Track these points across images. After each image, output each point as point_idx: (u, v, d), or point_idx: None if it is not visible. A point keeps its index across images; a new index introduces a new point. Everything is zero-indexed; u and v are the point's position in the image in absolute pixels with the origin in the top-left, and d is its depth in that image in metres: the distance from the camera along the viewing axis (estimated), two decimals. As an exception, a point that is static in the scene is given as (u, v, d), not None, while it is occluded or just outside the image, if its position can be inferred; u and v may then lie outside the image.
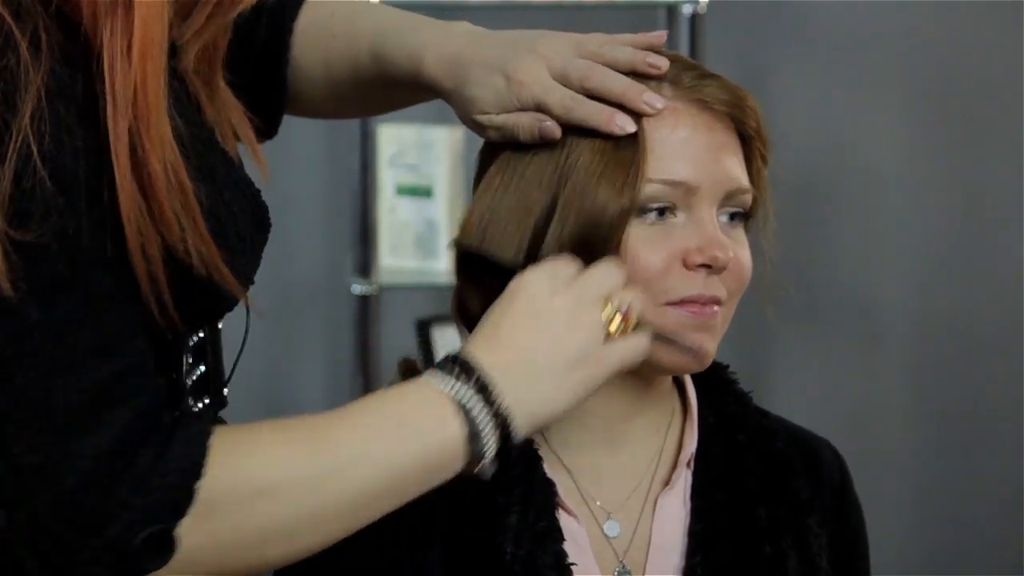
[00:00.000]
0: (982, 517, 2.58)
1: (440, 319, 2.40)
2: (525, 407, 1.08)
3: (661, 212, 1.18)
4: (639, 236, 1.17)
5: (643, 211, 1.17)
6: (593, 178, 1.16)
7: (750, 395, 1.29)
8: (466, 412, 1.06)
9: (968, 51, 2.56)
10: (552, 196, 1.17)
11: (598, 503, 1.23)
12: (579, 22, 2.37)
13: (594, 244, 1.16)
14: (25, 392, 0.96)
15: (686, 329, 1.17)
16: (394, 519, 1.15)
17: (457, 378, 1.07)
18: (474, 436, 1.06)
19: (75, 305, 0.98)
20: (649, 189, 1.17)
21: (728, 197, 1.19)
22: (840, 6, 2.56)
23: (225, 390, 1.19)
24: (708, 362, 1.20)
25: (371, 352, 2.41)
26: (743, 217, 1.22)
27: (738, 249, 1.20)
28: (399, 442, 1.05)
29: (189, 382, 1.13)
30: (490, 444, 1.07)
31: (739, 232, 1.21)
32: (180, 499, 0.98)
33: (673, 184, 1.17)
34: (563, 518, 1.19)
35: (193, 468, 0.99)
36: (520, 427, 1.08)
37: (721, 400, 1.27)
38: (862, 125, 2.58)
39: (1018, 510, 2.56)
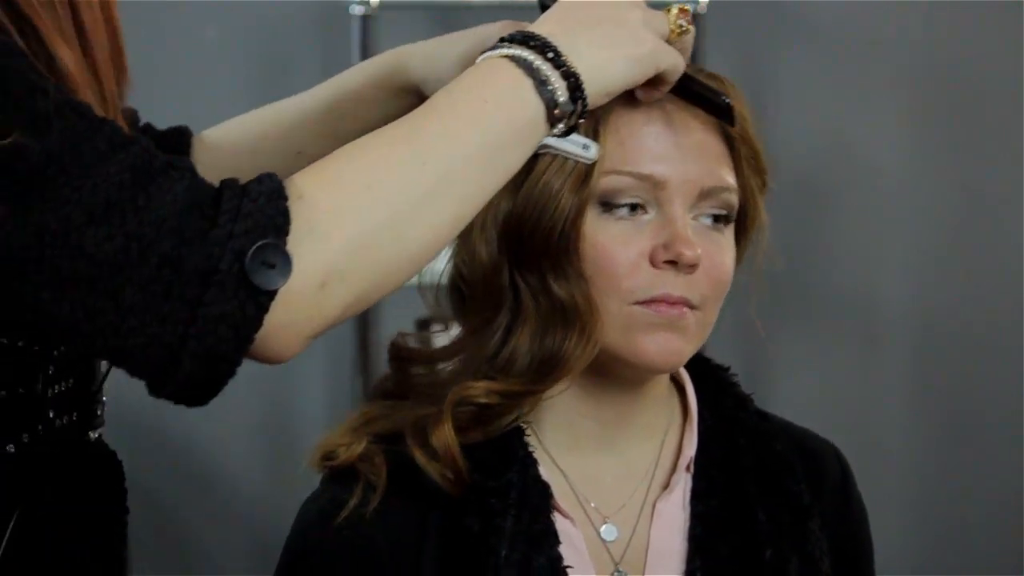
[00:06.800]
0: (982, 517, 2.58)
1: (440, 319, 2.40)
2: (585, 64, 1.07)
3: (632, 208, 1.17)
4: (608, 232, 1.16)
5: (612, 206, 1.17)
6: (551, 161, 1.15)
7: (751, 397, 1.28)
8: (526, 65, 1.06)
9: (968, 51, 2.56)
10: (517, 184, 1.16)
11: (593, 505, 1.22)
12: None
13: (550, 231, 1.16)
14: (79, 194, 0.94)
15: (654, 329, 1.16)
16: (392, 522, 1.15)
17: (510, 47, 1.07)
18: (543, 83, 1.05)
19: (74, 122, 0.97)
20: (616, 181, 1.16)
21: (705, 196, 1.18)
22: (840, 6, 2.56)
23: (100, 409, 1.17)
24: (678, 364, 1.19)
25: (371, 352, 2.40)
26: (727, 220, 1.20)
27: (715, 252, 1.18)
28: (478, 108, 1.05)
29: (50, 393, 1.11)
30: (560, 91, 1.06)
31: (722, 236, 1.19)
32: (275, 217, 0.96)
33: (640, 177, 1.16)
34: (559, 521, 1.19)
35: (277, 187, 0.98)
36: (585, 80, 1.07)
37: (721, 403, 1.27)
38: (862, 125, 2.58)
39: (1018, 510, 2.56)
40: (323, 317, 0.99)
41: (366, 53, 2.31)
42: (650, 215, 1.17)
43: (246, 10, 2.48)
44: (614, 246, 1.16)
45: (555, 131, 1.08)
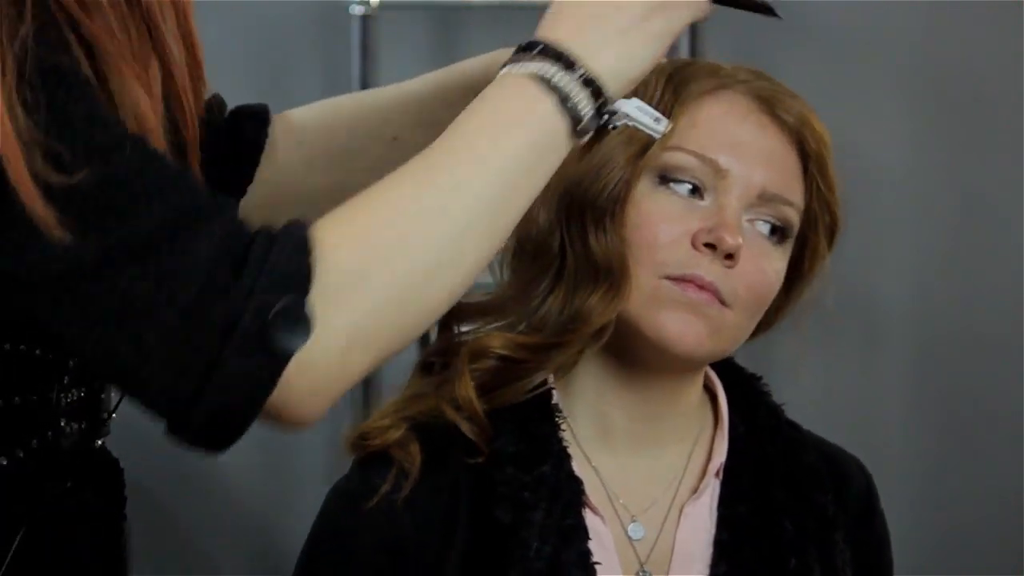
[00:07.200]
0: (982, 517, 2.58)
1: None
2: (604, 62, 1.03)
3: (692, 191, 1.17)
4: (658, 203, 1.17)
5: (670, 181, 1.17)
6: (621, 129, 1.13)
7: (782, 407, 1.28)
8: (547, 82, 1.02)
9: (968, 51, 2.56)
10: (582, 151, 1.15)
11: (621, 502, 1.22)
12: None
13: (601, 189, 1.16)
14: (123, 230, 0.93)
15: (678, 308, 1.16)
16: (421, 511, 1.14)
17: (530, 60, 1.03)
18: (564, 100, 1.02)
19: (128, 156, 0.95)
20: (678, 157, 1.16)
21: (764, 200, 1.17)
22: (840, 6, 2.55)
23: (107, 417, 1.16)
24: (696, 350, 1.17)
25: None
26: (783, 236, 1.19)
27: (760, 257, 1.18)
28: (501, 138, 1.02)
29: (63, 401, 1.10)
30: (584, 104, 1.02)
31: (773, 249, 1.19)
32: (298, 274, 0.94)
33: (703, 159, 1.16)
34: (588, 517, 1.19)
35: (302, 244, 0.95)
36: (606, 80, 1.03)
37: (753, 411, 1.27)
38: (862, 125, 2.57)
39: (1018, 510, 2.56)
40: (346, 380, 0.97)
41: (366, 53, 2.30)
42: (706, 202, 1.17)
43: (246, 10, 2.47)
44: (660, 218, 1.16)
45: (579, 141, 1.05)
